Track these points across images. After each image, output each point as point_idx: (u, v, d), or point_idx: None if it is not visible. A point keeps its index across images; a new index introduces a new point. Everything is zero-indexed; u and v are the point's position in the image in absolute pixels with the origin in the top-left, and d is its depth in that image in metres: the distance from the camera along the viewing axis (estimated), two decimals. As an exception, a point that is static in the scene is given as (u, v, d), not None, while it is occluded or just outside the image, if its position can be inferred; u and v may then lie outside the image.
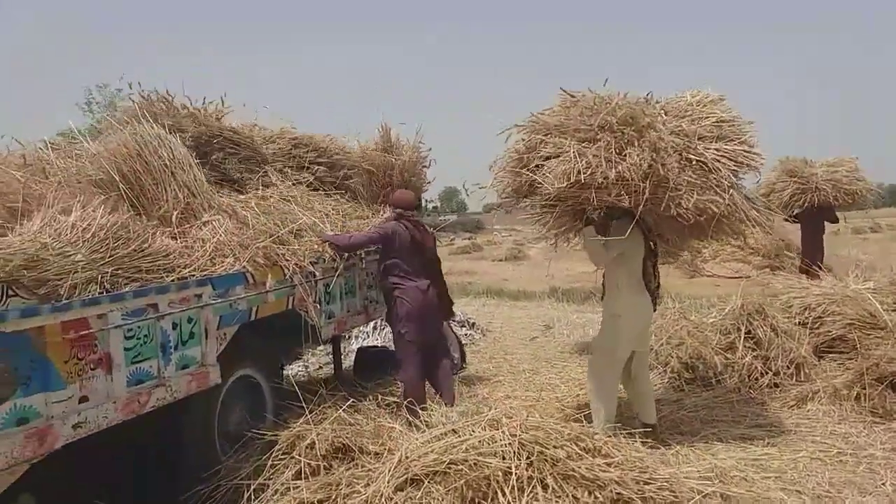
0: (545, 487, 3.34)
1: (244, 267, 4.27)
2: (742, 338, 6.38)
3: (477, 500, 3.41)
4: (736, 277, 16.73)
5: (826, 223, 10.44)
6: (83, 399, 3.15)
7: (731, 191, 4.66)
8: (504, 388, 6.89)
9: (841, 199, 9.78)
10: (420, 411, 4.45)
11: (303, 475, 3.96)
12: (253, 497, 3.90)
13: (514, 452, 3.47)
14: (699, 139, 4.81)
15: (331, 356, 8.09)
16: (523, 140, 4.90)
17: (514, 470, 3.38)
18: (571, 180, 4.31)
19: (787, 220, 10.06)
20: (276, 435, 4.24)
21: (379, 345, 8.29)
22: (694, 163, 4.67)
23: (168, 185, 4.33)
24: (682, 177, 4.56)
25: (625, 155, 4.46)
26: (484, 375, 7.44)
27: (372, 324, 8.46)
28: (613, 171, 4.32)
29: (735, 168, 4.77)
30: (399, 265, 5.31)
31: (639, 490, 3.35)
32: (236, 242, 4.39)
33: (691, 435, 5.16)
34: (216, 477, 4.08)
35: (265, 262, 4.45)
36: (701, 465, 4.32)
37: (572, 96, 4.95)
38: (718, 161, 4.70)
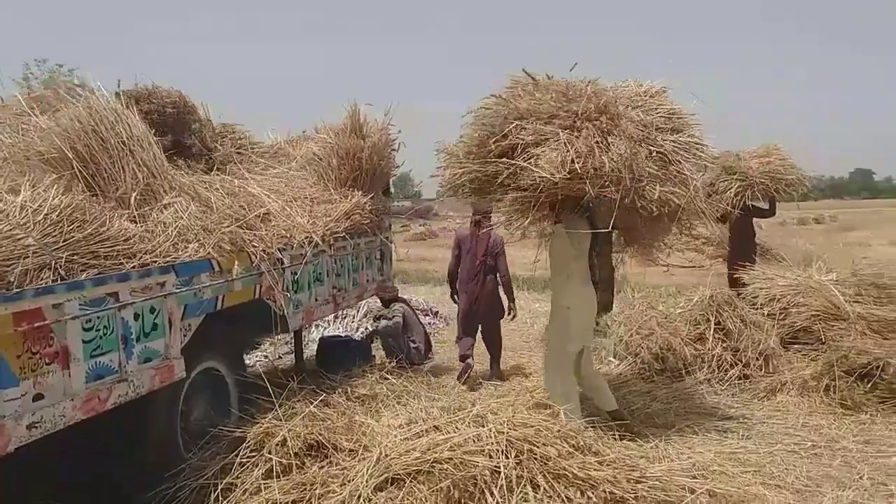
0: (535, 487, 3.20)
1: (209, 253, 4.00)
2: (712, 329, 6.36)
3: (463, 501, 3.25)
4: (689, 267, 16.99)
5: (759, 220, 9.60)
6: (38, 397, 2.87)
7: (694, 182, 4.64)
8: (473, 378, 6.74)
9: (781, 191, 8.79)
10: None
11: (274, 474, 3.75)
12: (220, 497, 3.66)
13: (503, 450, 3.32)
14: (656, 130, 4.77)
15: (290, 345, 7.84)
16: (484, 126, 4.69)
17: (502, 469, 3.24)
18: (568, 169, 4.15)
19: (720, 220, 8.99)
20: (243, 431, 4.01)
21: (342, 334, 8.04)
22: (654, 154, 4.62)
23: (126, 163, 4.02)
24: (645, 168, 4.50)
25: (608, 144, 4.35)
26: (451, 366, 7.26)
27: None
28: (607, 159, 4.19)
29: (693, 160, 4.78)
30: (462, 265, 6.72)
31: (631, 489, 3.24)
32: (200, 227, 4.12)
33: (666, 428, 5.09)
34: (180, 476, 3.82)
35: (231, 248, 4.19)
36: (681, 460, 4.27)
37: (534, 79, 4.79)
38: (676, 153, 4.69)
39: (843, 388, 5.47)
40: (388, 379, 5.55)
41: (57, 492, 3.72)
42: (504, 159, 4.51)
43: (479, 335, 6.91)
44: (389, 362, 6.31)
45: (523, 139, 4.44)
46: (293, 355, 7.25)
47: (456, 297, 6.94)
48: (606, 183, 4.29)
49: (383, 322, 6.92)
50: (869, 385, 5.43)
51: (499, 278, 6.72)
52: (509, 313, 6.82)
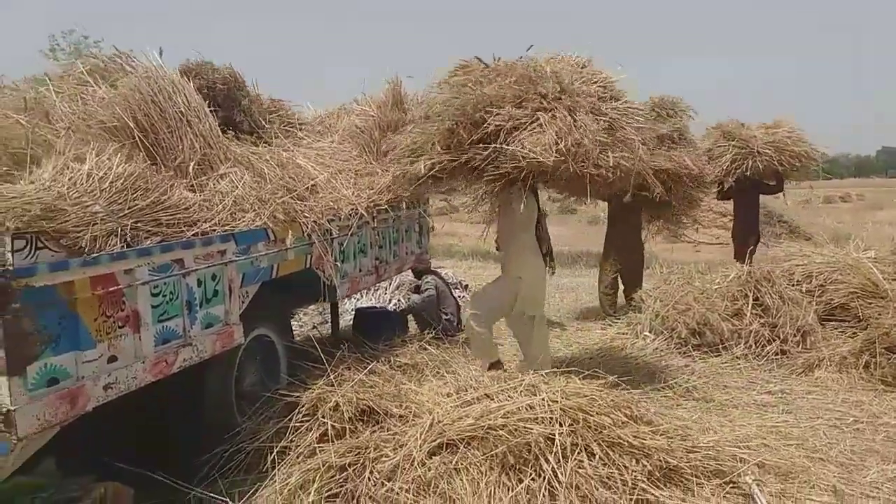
0: (591, 455, 3.26)
1: (265, 223, 4.07)
2: (750, 304, 6.37)
3: (518, 467, 3.33)
4: (717, 244, 16.95)
5: (764, 195, 9.29)
6: (112, 359, 2.97)
7: (641, 146, 4.85)
8: (509, 351, 6.82)
9: (786, 163, 8.45)
10: None
11: (328, 438, 3.84)
12: (277, 459, 3.77)
13: (556, 419, 3.38)
14: (598, 99, 4.88)
15: (323, 315, 7.96)
16: (447, 115, 4.75)
17: (556, 436, 3.30)
18: (555, 149, 4.30)
19: (719, 195, 9.07)
20: (296, 396, 4.11)
21: (378, 306, 8.14)
22: (601, 122, 4.71)
23: (184, 134, 4.07)
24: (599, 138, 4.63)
25: (576, 121, 4.51)
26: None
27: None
28: (583, 136, 4.40)
29: (635, 124, 4.95)
30: None
31: (685, 458, 3.30)
32: (255, 197, 4.18)
33: (706, 401, 5.15)
34: (236, 439, 3.94)
35: (285, 218, 4.26)
36: (725, 433, 4.31)
37: (486, 66, 4.91)
38: (619, 120, 4.86)
39: (883, 364, 5.48)
40: (426, 349, 5.63)
41: (117, 453, 3.85)
42: (481, 145, 4.59)
43: None
44: (427, 332, 6.39)
45: (500, 125, 4.52)
46: (328, 325, 7.39)
47: None
48: (582, 158, 4.43)
49: (416, 297, 7.05)
50: (911, 362, 5.44)
51: None
52: None
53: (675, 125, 7.70)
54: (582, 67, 5.15)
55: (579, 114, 4.59)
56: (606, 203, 8.50)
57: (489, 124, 4.52)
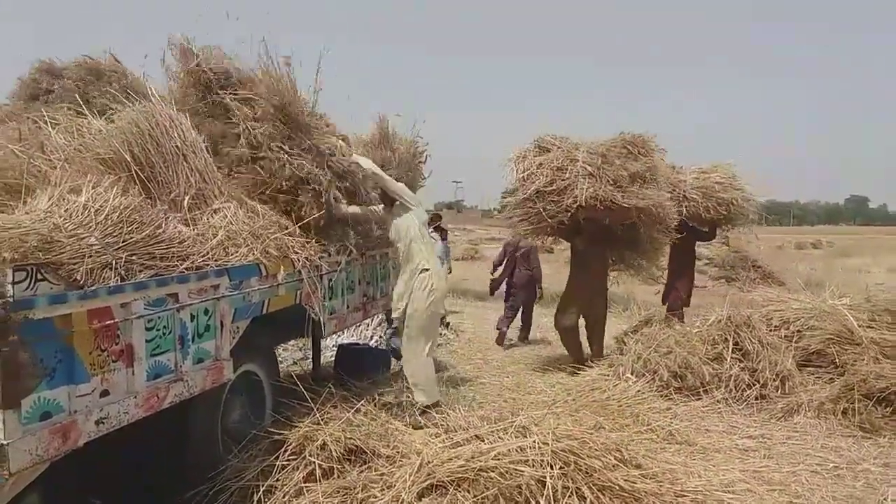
0: (581, 498, 3.27)
1: (258, 258, 4.08)
2: (730, 349, 6.45)
3: (509, 509, 3.32)
4: (696, 287, 17.11)
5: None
6: (104, 393, 2.94)
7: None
8: (489, 390, 6.83)
9: (713, 210, 8.17)
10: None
11: (315, 478, 3.81)
12: (263, 499, 3.72)
13: (547, 461, 3.39)
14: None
15: (303, 351, 7.91)
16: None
17: (548, 479, 3.31)
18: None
19: None
20: (283, 435, 4.07)
21: (361, 343, 8.11)
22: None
23: (180, 168, 4.09)
24: None
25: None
26: (467, 377, 7.35)
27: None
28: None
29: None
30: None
31: (673, 502, 3.32)
32: (248, 232, 4.19)
33: (688, 444, 5.17)
34: (221, 477, 3.89)
35: (277, 253, 4.27)
36: (709, 477, 4.34)
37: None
38: None
39: (861, 411, 5.58)
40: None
41: (99, 490, 3.77)
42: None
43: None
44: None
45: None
46: (308, 360, 7.34)
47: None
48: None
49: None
50: (888, 409, 5.54)
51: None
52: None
53: (647, 164, 7.22)
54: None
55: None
56: (570, 245, 8.11)
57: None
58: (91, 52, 5.67)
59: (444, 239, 11.79)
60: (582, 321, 7.93)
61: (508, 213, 7.37)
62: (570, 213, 6.85)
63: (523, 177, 7.09)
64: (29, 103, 5.28)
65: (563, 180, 6.87)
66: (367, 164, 5.44)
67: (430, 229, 11.28)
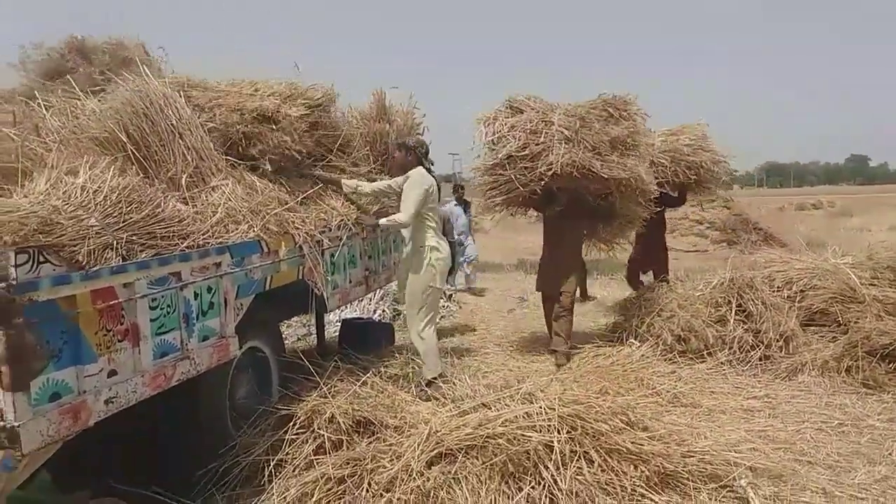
0: (589, 461, 3.30)
1: (258, 235, 4.07)
2: (733, 311, 6.47)
3: (518, 475, 3.36)
4: (694, 251, 17.16)
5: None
6: (112, 373, 2.95)
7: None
8: (493, 359, 6.86)
9: (682, 175, 7.76)
10: None
11: (325, 450, 3.85)
12: (273, 473, 3.76)
13: (555, 426, 3.42)
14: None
15: (308, 327, 7.94)
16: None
17: (555, 444, 3.33)
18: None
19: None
20: (291, 409, 4.10)
21: (364, 317, 8.13)
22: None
23: (176, 146, 4.07)
24: None
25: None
26: (471, 347, 7.39)
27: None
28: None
29: None
30: None
31: (681, 463, 3.35)
32: (247, 209, 4.18)
33: (694, 407, 5.21)
34: (231, 453, 3.92)
35: (277, 229, 4.26)
36: (715, 437, 4.37)
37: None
38: None
39: (865, 368, 5.61)
40: (415, 359, 5.65)
41: (112, 469, 3.81)
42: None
43: None
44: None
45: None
46: (313, 336, 7.38)
47: None
48: None
49: None
50: (891, 366, 5.57)
51: None
52: None
53: (628, 129, 6.43)
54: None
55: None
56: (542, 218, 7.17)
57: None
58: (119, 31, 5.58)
59: (466, 211, 11.70)
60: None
61: (476, 180, 6.62)
62: (543, 182, 6.05)
63: (493, 140, 6.31)
64: (48, 81, 5.18)
65: (537, 145, 6.05)
66: (376, 187, 5.42)
67: (453, 201, 11.23)
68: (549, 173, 5.94)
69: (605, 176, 6.07)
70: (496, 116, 6.46)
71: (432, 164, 5.52)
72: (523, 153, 6.08)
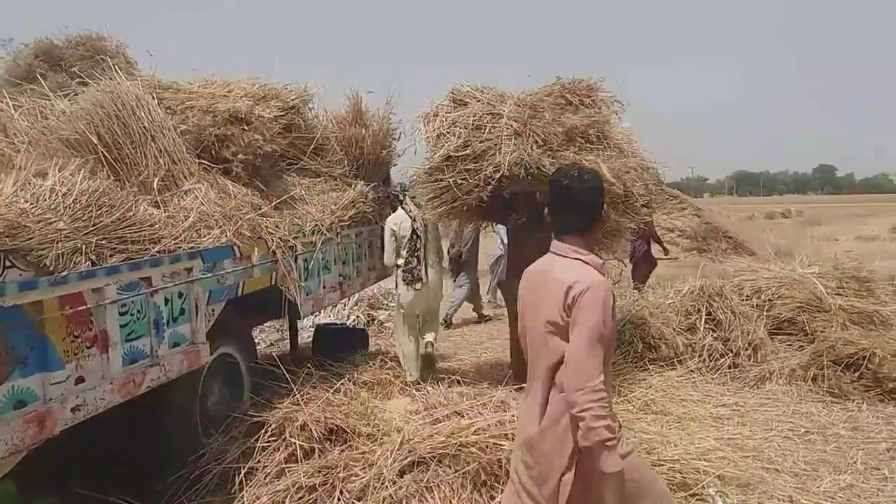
0: (561, 470, 3.31)
1: (231, 240, 4.03)
2: (703, 319, 6.55)
3: (490, 483, 3.36)
4: (665, 259, 17.31)
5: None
6: (80, 380, 2.90)
7: None
8: (467, 367, 6.87)
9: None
10: None
11: (297, 458, 3.81)
12: (244, 481, 3.72)
13: (528, 435, 3.41)
14: None
15: (280, 332, 7.88)
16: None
17: (528, 453, 3.33)
18: None
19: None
20: (263, 416, 4.06)
21: (338, 322, 8.09)
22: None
23: (148, 149, 4.02)
24: None
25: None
26: (445, 354, 7.38)
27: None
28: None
29: None
30: None
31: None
32: (220, 213, 4.14)
33: (664, 414, 5.26)
34: (202, 460, 3.87)
35: (251, 235, 4.23)
36: (685, 446, 4.42)
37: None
38: None
39: (830, 377, 5.71)
40: (386, 364, 5.63)
41: (79, 476, 3.74)
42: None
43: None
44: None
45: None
46: (285, 341, 7.33)
47: None
48: None
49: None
50: (856, 374, 5.67)
51: None
52: None
53: (590, 117, 5.43)
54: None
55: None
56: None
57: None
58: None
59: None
60: None
61: (415, 189, 5.57)
62: (489, 186, 5.04)
63: (434, 138, 5.37)
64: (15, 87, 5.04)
65: (481, 142, 5.11)
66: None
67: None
68: (497, 175, 5.00)
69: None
70: (437, 112, 5.57)
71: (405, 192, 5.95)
72: (464, 153, 5.14)
